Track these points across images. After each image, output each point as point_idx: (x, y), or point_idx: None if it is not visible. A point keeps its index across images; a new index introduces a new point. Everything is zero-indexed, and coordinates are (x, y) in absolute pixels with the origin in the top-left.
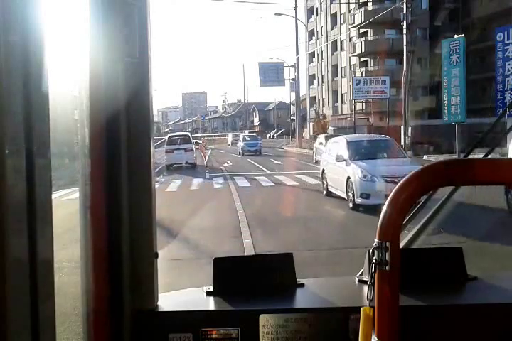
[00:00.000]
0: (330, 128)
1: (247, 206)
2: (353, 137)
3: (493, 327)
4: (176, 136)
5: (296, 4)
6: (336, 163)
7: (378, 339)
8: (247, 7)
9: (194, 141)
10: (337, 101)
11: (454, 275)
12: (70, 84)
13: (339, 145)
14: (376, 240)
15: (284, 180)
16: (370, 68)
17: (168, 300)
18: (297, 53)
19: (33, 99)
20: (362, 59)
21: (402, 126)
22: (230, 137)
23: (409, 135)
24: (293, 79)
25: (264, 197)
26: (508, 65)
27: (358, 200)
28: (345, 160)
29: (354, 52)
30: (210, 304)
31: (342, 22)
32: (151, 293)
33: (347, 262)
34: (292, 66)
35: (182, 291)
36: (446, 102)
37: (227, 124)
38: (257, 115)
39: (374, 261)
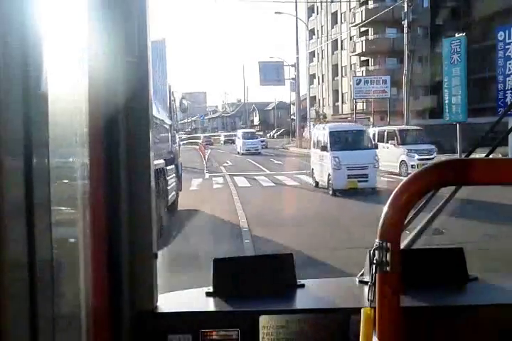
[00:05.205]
0: None
1: (247, 206)
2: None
3: (494, 328)
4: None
5: (296, 3)
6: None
7: None
8: (247, 6)
9: (193, 141)
10: (337, 101)
11: (455, 275)
12: (69, 83)
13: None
14: (377, 240)
15: (283, 180)
16: (371, 67)
17: (168, 301)
18: (297, 52)
19: (33, 98)
20: (362, 58)
21: None
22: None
23: None
24: (293, 79)
25: (265, 198)
26: (509, 64)
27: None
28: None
29: (355, 51)
30: (209, 305)
31: (343, 21)
32: (151, 293)
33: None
34: (292, 65)
35: (182, 292)
36: (447, 102)
37: (227, 124)
38: (257, 115)
39: (375, 261)
